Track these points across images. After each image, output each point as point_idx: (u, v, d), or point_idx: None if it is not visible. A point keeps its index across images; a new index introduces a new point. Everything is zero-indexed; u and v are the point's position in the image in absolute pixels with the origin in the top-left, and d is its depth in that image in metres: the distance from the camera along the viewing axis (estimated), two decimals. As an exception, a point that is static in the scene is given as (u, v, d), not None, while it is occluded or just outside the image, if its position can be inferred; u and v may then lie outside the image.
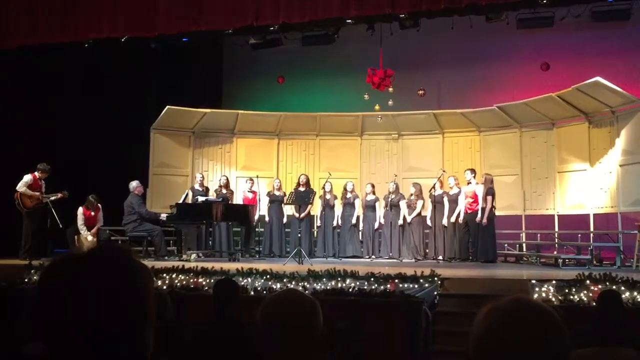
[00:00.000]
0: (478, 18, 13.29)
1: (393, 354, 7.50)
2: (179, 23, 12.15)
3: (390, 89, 13.77)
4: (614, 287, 7.69)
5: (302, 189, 13.67)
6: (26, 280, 9.63)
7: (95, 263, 1.41)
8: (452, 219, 13.34)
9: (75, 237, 12.77)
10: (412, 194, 13.78)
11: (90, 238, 12.75)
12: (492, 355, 1.61)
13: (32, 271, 9.81)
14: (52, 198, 12.40)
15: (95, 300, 1.36)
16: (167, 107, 14.60)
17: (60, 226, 12.38)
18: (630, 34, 14.22)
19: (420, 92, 15.66)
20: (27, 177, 12.30)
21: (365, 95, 14.07)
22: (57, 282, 1.40)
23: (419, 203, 13.69)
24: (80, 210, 12.82)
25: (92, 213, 12.92)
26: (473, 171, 13.49)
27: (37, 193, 12.31)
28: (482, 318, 1.69)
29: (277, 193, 14.25)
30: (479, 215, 12.85)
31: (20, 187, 12.21)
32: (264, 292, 8.52)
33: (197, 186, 13.98)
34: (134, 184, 13.18)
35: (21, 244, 12.09)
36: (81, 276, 1.38)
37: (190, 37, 13.64)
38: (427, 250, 13.68)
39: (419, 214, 13.70)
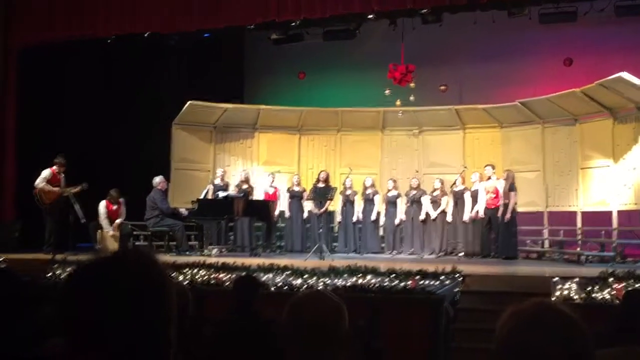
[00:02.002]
0: (500, 13, 13.21)
1: (414, 351, 7.49)
2: (199, 19, 12.22)
3: (412, 85, 13.71)
4: (638, 285, 7.64)
5: (321, 185, 13.65)
6: (49, 274, 9.73)
7: (122, 266, 1.45)
8: (472, 215, 13.27)
9: (98, 231, 12.87)
10: (436, 189, 13.75)
11: (112, 232, 12.84)
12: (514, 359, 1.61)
13: (55, 266, 9.92)
14: (73, 191, 12.44)
15: (121, 302, 1.41)
16: (189, 102, 14.64)
17: (83, 221, 12.45)
18: (655, 29, 14.06)
19: (442, 87, 15.60)
20: (46, 172, 12.35)
21: (387, 91, 14.02)
22: (84, 284, 1.44)
23: (444, 199, 13.66)
24: (103, 203, 12.92)
25: (115, 207, 13.02)
26: (493, 167, 13.42)
27: (57, 188, 12.36)
28: (504, 322, 1.69)
29: (296, 189, 14.27)
30: (500, 210, 12.80)
31: (39, 183, 12.25)
32: (285, 287, 8.55)
33: (217, 181, 14.02)
34: (157, 179, 13.24)
35: (44, 239, 12.18)
36: (108, 279, 1.43)
37: (212, 33, 13.67)
38: (449, 247, 13.63)
39: (444, 210, 13.68)
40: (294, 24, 13.09)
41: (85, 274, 1.46)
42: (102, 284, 1.42)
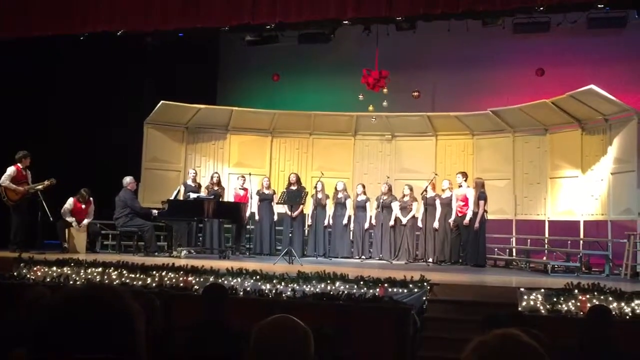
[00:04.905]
0: (474, 22, 13.30)
1: None
2: (175, 19, 12.11)
3: (385, 90, 13.76)
4: (602, 297, 7.74)
5: (293, 187, 13.67)
6: (15, 274, 9.61)
7: (93, 304, 1.47)
8: (436, 225, 13.37)
9: (66, 230, 12.75)
10: (405, 195, 13.80)
11: (75, 224, 12.73)
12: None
13: (21, 264, 9.78)
14: (40, 187, 12.30)
15: (92, 339, 1.43)
16: (161, 102, 14.58)
17: (51, 219, 12.33)
18: (626, 42, 14.27)
19: (415, 93, 15.66)
20: (10, 170, 12.16)
21: (360, 96, 14.08)
22: (57, 318, 1.45)
23: (414, 205, 13.72)
24: (71, 200, 12.83)
25: (83, 206, 12.92)
26: (464, 174, 13.51)
27: (22, 186, 12.18)
28: (469, 352, 1.71)
29: (266, 192, 14.23)
30: (467, 218, 12.90)
31: (3, 180, 12.06)
32: (255, 293, 8.53)
33: (189, 182, 13.95)
34: (127, 179, 13.18)
35: (10, 237, 12.02)
36: (80, 316, 1.44)
37: (186, 33, 13.59)
38: (418, 253, 13.70)
39: (414, 216, 13.73)
40: (268, 27, 13.06)
41: (58, 308, 1.47)
42: (73, 321, 1.43)
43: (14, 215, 12.14)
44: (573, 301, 7.84)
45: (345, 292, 8.33)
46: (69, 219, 12.76)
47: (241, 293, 8.61)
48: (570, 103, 12.87)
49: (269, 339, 2.10)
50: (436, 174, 14.03)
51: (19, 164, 12.26)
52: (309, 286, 8.55)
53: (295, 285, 8.59)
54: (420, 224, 13.62)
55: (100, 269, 9.51)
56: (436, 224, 13.45)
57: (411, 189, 13.82)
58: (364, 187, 14.26)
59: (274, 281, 8.71)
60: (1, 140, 13.27)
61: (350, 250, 14.13)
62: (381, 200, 13.84)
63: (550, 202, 13.62)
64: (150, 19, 12.28)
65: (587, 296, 7.82)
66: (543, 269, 12.52)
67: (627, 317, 7.54)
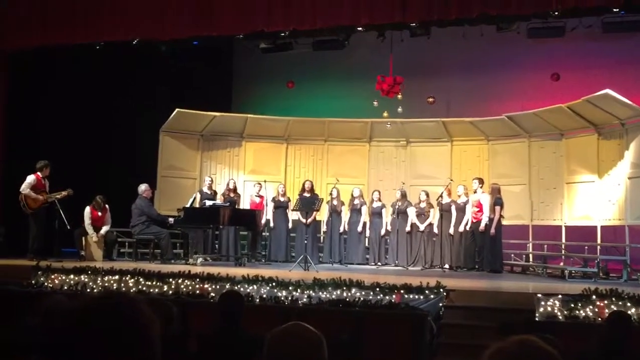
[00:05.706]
0: (489, 27, 13.30)
1: (397, 366, 7.49)
2: (190, 28, 12.21)
3: (400, 96, 13.74)
4: (620, 302, 7.68)
5: (307, 194, 13.68)
6: (33, 282, 9.66)
7: (109, 312, 1.48)
8: (461, 228, 13.33)
9: (83, 238, 12.82)
10: (421, 201, 13.77)
11: (95, 239, 12.81)
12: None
13: (39, 272, 9.83)
14: (57, 197, 12.39)
15: (108, 347, 1.44)
16: (177, 109, 14.64)
17: (68, 227, 12.40)
18: (641, 46, 14.20)
19: (430, 99, 15.65)
20: (30, 178, 12.28)
21: (375, 102, 14.05)
22: (72, 326, 1.47)
23: (431, 212, 13.69)
24: (88, 209, 12.89)
25: (100, 213, 12.99)
26: (481, 180, 13.46)
27: (41, 195, 12.29)
28: (487, 359, 1.71)
29: (281, 199, 14.26)
30: (482, 224, 12.84)
31: (24, 188, 12.19)
32: (271, 300, 8.52)
33: (205, 189, 14.00)
34: (142, 187, 13.24)
35: (28, 245, 12.12)
36: (95, 324, 1.45)
37: (201, 41, 13.67)
38: (434, 259, 13.66)
39: (431, 222, 13.70)
40: (283, 34, 13.11)
41: (76, 317, 1.49)
42: (90, 329, 1.45)
43: (32, 223, 12.25)
44: (591, 307, 7.77)
45: (361, 298, 8.31)
46: (89, 230, 12.81)
47: (257, 300, 8.60)
48: (586, 108, 12.80)
49: (281, 346, 2.10)
50: (451, 180, 14.00)
51: (39, 173, 12.38)
52: (324, 293, 8.53)
53: (311, 292, 8.58)
54: (436, 230, 13.59)
55: (117, 277, 9.55)
56: (452, 230, 13.42)
57: (427, 195, 13.81)
58: (379, 193, 14.25)
59: (290, 288, 8.70)
60: (19, 147, 13.41)
61: (365, 256, 14.11)
62: (396, 207, 13.82)
63: (567, 208, 13.53)
64: (164, 28, 12.38)
65: (605, 302, 7.75)
66: (560, 274, 12.43)
67: (646, 322, 7.47)
